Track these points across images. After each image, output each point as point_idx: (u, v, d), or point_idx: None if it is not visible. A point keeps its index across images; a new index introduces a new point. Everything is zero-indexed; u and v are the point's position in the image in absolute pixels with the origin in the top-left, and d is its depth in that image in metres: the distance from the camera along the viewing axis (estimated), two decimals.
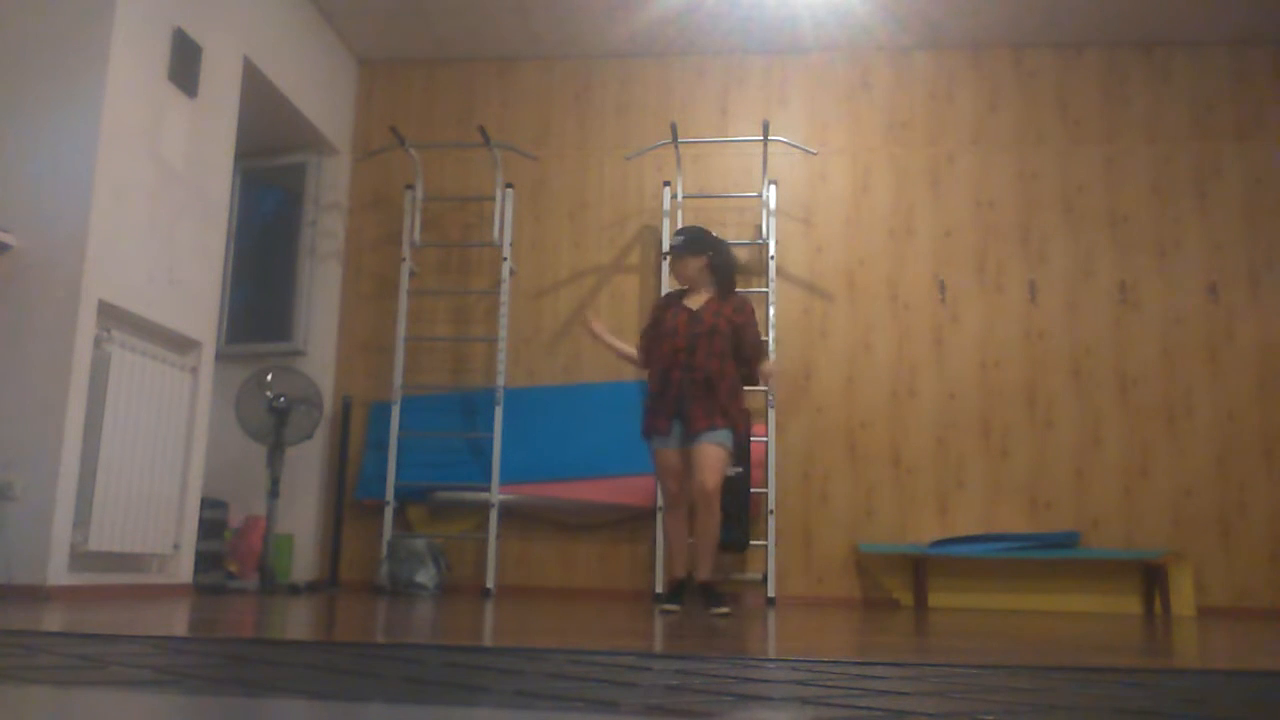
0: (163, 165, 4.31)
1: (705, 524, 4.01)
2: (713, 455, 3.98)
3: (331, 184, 6.14)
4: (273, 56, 5.29)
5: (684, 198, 5.87)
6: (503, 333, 5.72)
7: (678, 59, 6.18)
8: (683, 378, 4.08)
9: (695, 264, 4.21)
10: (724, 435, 4.02)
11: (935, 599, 5.39)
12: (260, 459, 5.54)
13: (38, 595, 3.58)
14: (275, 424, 5.15)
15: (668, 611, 3.96)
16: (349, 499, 5.81)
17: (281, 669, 1.52)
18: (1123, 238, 5.75)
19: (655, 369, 4.21)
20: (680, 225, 5.79)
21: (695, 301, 4.22)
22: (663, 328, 4.20)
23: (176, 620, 2.70)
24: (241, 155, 5.89)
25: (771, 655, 2.08)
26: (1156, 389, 5.58)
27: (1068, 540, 5.31)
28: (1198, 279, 5.66)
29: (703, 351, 4.07)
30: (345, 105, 6.21)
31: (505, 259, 5.82)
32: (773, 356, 5.53)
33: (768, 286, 5.68)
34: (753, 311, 4.26)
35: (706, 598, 4.06)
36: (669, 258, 4.45)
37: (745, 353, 4.17)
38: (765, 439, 5.51)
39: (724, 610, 3.97)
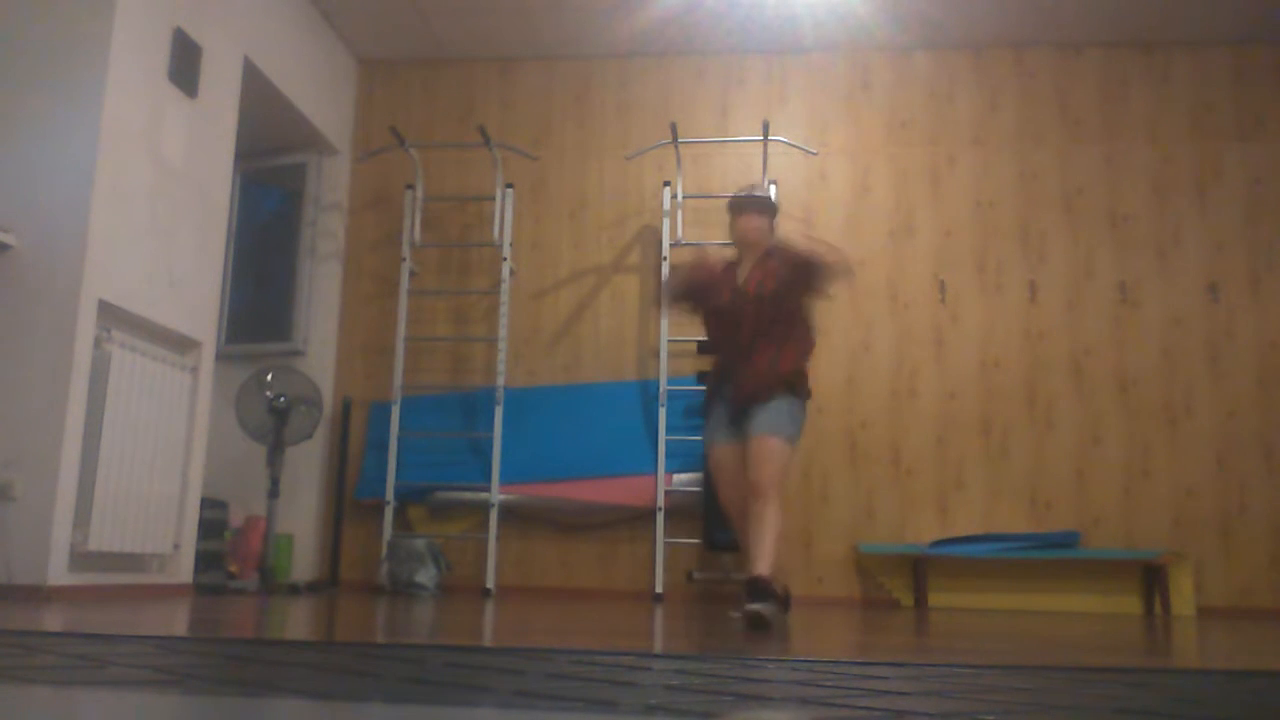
0: (163, 165, 4.31)
1: (757, 518, 3.49)
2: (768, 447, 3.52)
3: (331, 184, 6.14)
4: (273, 56, 5.29)
5: (684, 198, 5.86)
6: (503, 333, 5.72)
7: (678, 59, 6.18)
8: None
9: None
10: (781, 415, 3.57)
11: (935, 599, 5.39)
12: (260, 459, 5.54)
13: (38, 595, 3.58)
14: (275, 424, 5.15)
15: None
16: (349, 499, 5.81)
17: (281, 669, 1.52)
18: (1123, 238, 5.75)
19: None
20: (680, 225, 5.79)
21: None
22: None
23: (176, 620, 2.70)
24: (241, 155, 5.89)
25: (771, 655, 2.08)
26: (1156, 389, 5.58)
27: (1068, 540, 5.31)
28: (1198, 279, 5.66)
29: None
30: (345, 105, 6.21)
31: (505, 259, 5.82)
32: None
33: None
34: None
35: (751, 593, 3.29)
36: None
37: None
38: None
39: (760, 607, 3.19)
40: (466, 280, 6.06)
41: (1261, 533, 5.38)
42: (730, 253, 3.95)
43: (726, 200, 3.90)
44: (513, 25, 5.93)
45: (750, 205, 3.78)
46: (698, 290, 3.78)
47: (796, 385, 3.63)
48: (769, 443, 3.53)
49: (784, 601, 3.68)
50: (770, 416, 3.55)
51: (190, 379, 4.55)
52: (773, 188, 5.79)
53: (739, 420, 3.67)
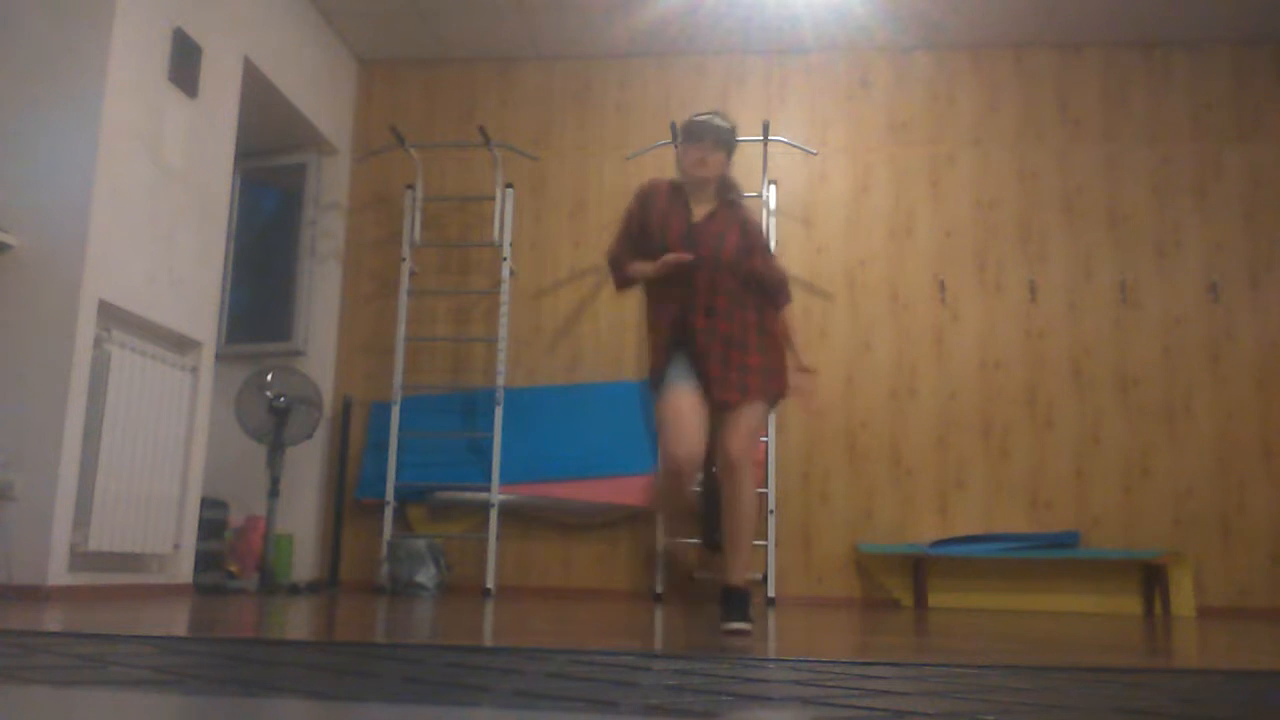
0: (163, 165, 4.31)
1: (731, 504, 2.96)
2: (745, 413, 2.97)
3: (331, 184, 6.14)
4: (273, 56, 5.29)
5: None
6: (503, 333, 5.72)
7: (678, 59, 6.18)
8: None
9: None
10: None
11: (935, 599, 5.39)
12: (260, 459, 5.54)
13: (38, 595, 3.58)
14: (275, 424, 5.15)
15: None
16: (349, 499, 5.80)
17: (281, 669, 1.52)
18: (1123, 238, 5.75)
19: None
20: None
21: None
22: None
23: (176, 620, 2.70)
24: (241, 155, 5.89)
25: (771, 655, 2.08)
26: (1156, 389, 5.58)
27: (1068, 540, 5.31)
28: (1198, 279, 5.66)
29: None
30: (345, 105, 6.21)
31: (505, 259, 5.82)
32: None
33: None
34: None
35: (728, 605, 2.93)
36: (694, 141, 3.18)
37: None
38: (765, 439, 5.51)
39: (742, 626, 2.88)
40: (466, 280, 6.06)
41: (1261, 533, 5.38)
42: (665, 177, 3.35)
43: (682, 124, 3.22)
44: (513, 25, 5.93)
45: (708, 133, 3.14)
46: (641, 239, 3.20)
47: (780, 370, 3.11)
48: (749, 406, 2.98)
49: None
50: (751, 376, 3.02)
51: (190, 379, 4.55)
52: (772, 188, 5.78)
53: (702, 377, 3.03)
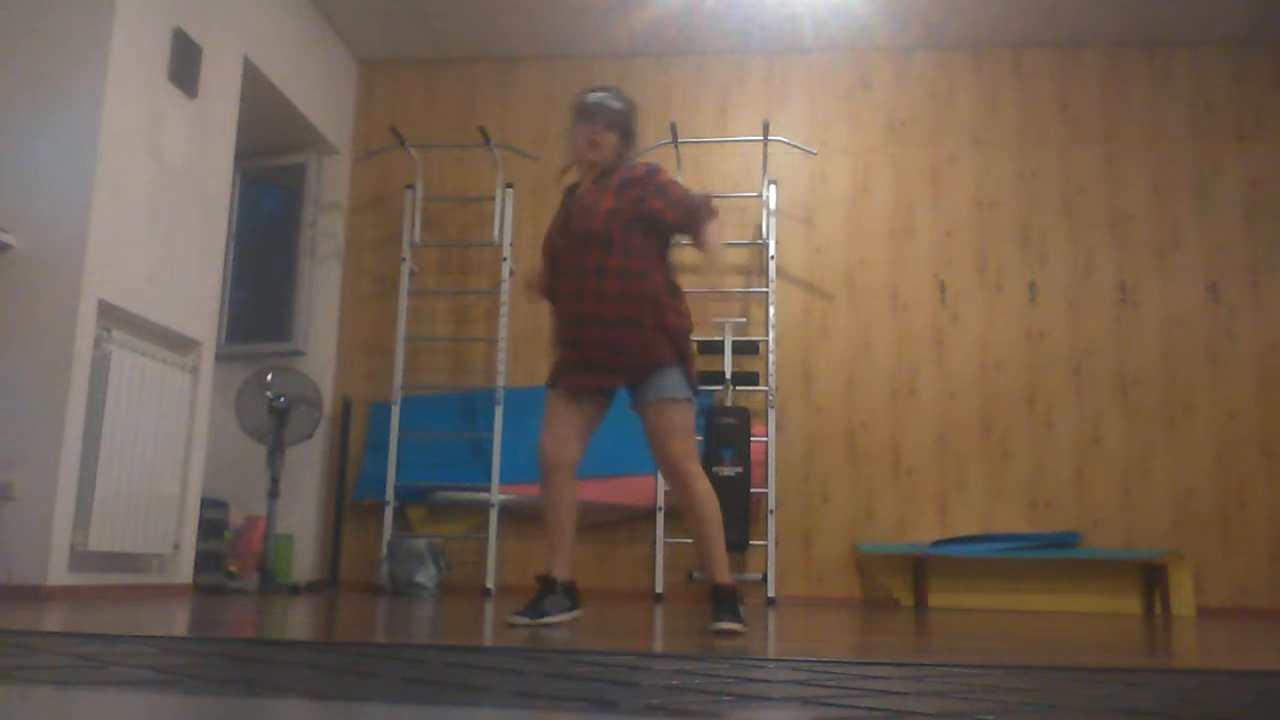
0: (163, 165, 4.31)
1: (687, 509, 2.96)
2: (667, 417, 2.92)
3: (331, 184, 6.14)
4: (273, 56, 5.29)
5: None
6: (503, 333, 5.72)
7: (678, 59, 6.18)
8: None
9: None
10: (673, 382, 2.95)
11: (935, 599, 5.39)
12: (260, 459, 5.54)
13: (38, 595, 3.58)
14: (275, 424, 5.15)
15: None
16: (349, 499, 5.81)
17: (281, 669, 1.52)
18: (1123, 238, 5.75)
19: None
20: None
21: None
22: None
23: (176, 620, 2.70)
24: (241, 155, 5.89)
25: (771, 655, 2.08)
26: (1156, 389, 5.58)
27: (1068, 540, 5.31)
28: (1198, 279, 5.67)
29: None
30: (345, 105, 6.21)
31: (505, 259, 5.82)
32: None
33: (768, 287, 5.68)
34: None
35: (716, 604, 2.92)
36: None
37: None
38: (765, 439, 5.51)
39: (732, 626, 2.82)
40: (466, 280, 6.06)
41: (1261, 533, 5.38)
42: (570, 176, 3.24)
43: (573, 102, 3.11)
44: (513, 25, 5.93)
45: (600, 113, 2.99)
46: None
47: (683, 349, 2.99)
48: (671, 410, 2.93)
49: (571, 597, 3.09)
50: (659, 381, 2.95)
51: (190, 379, 4.55)
52: (772, 188, 5.78)
53: (592, 389, 3.06)
